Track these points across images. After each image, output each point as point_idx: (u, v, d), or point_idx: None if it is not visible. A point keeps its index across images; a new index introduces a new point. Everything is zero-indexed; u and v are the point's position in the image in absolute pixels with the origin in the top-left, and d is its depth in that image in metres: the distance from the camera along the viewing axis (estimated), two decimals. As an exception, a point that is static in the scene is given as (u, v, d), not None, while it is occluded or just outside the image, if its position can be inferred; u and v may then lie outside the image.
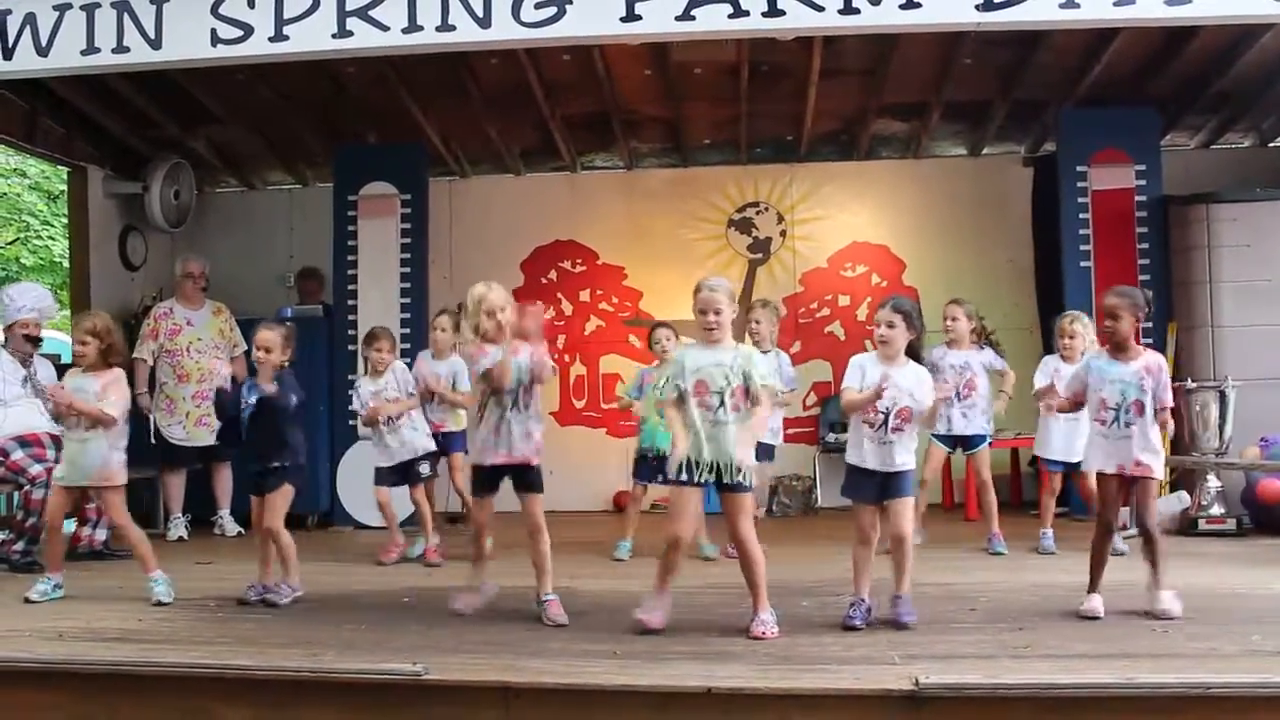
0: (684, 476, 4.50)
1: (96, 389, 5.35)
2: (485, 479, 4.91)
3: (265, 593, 5.25)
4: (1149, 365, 4.72)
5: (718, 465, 4.47)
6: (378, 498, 6.49)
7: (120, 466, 5.42)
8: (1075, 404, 4.98)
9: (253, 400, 5.24)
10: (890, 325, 4.66)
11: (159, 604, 5.21)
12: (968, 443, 6.58)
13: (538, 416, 4.89)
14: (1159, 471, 4.75)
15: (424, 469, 6.50)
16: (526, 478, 4.88)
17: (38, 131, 7.89)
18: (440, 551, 6.39)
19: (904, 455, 4.63)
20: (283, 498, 5.33)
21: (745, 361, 4.53)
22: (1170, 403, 4.76)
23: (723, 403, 4.47)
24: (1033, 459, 8.32)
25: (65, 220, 13.11)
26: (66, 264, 11.96)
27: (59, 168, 10.71)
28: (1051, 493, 6.56)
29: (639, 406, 6.25)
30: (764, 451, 6.45)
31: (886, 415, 4.60)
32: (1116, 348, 4.78)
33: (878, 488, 4.65)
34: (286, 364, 5.34)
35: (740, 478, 4.49)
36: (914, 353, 4.73)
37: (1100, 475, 4.79)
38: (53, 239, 16.28)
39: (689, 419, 4.52)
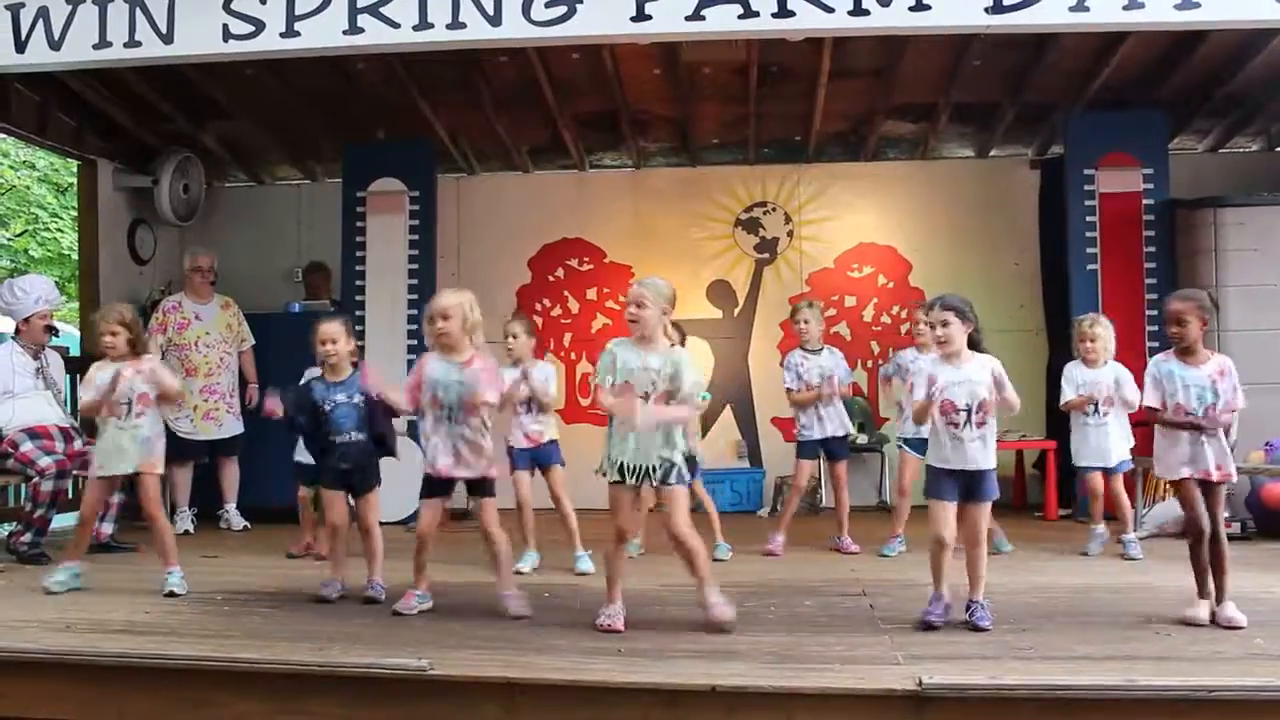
0: (616, 478, 4.59)
1: (140, 378, 5.40)
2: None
3: (342, 589, 5.27)
4: (1222, 368, 4.68)
5: (644, 470, 4.53)
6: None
7: (162, 453, 5.52)
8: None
9: (339, 399, 5.27)
10: (945, 324, 4.65)
11: (170, 594, 5.25)
12: None
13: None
14: (1234, 473, 4.70)
15: None
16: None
17: (49, 124, 7.90)
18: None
19: (988, 453, 4.61)
20: (377, 495, 5.40)
21: (673, 368, 4.57)
22: (1241, 404, 4.70)
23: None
24: (1037, 461, 8.36)
25: (74, 213, 13.14)
26: (75, 256, 12.01)
27: (68, 160, 10.73)
28: (1095, 495, 6.47)
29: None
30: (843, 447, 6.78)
31: (969, 412, 4.58)
32: (1186, 351, 4.70)
33: (962, 488, 4.63)
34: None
35: (671, 477, 4.54)
36: (975, 344, 4.71)
37: (1182, 482, 4.70)
38: (61, 231, 16.31)
39: (616, 421, 4.59)
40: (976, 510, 4.62)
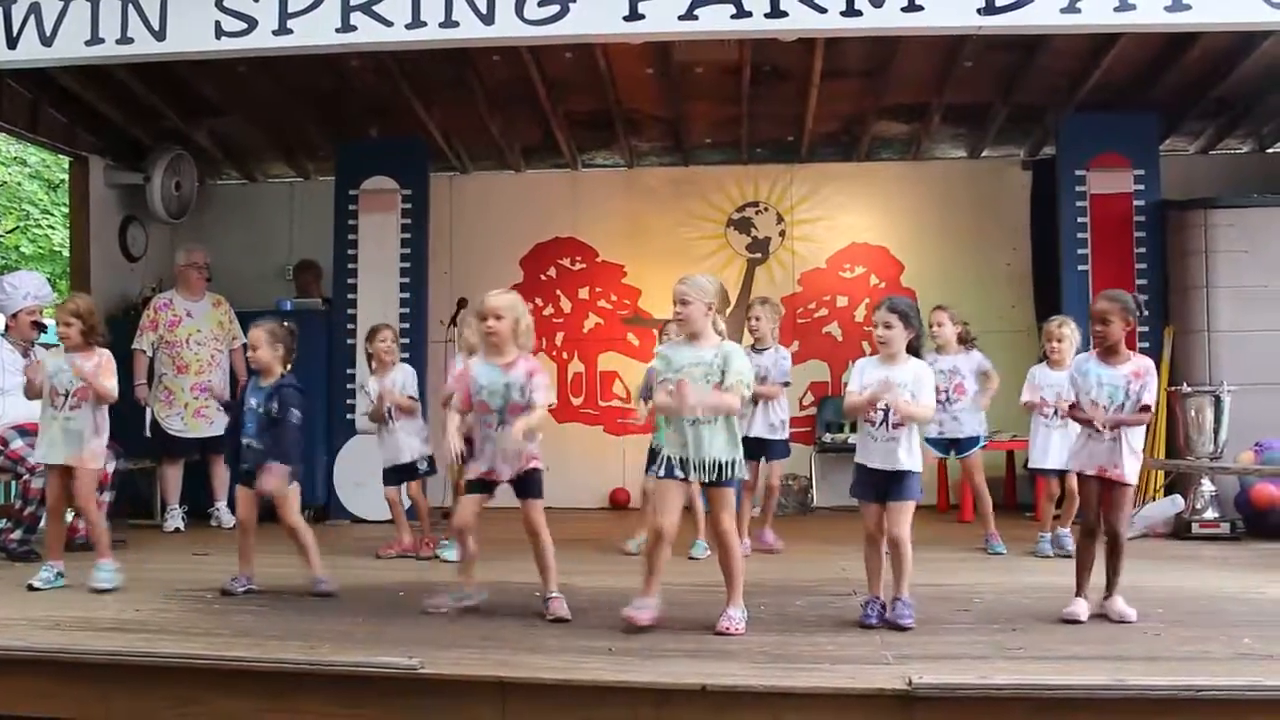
0: (662, 472, 4.58)
1: (89, 368, 5.42)
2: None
3: (248, 584, 5.32)
4: (1138, 369, 4.72)
5: (699, 464, 4.53)
6: (386, 496, 6.59)
7: (99, 450, 5.50)
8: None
9: (251, 403, 5.30)
10: (888, 326, 4.69)
11: (97, 591, 5.27)
12: (960, 445, 6.64)
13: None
14: (1133, 477, 4.74)
15: (422, 466, 6.54)
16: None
17: (41, 121, 7.90)
18: (432, 543, 6.43)
19: (906, 455, 4.63)
20: (294, 494, 5.40)
21: (723, 359, 4.58)
22: (1149, 401, 4.73)
23: None
24: (1027, 462, 8.36)
25: (65, 209, 13.11)
26: (66, 253, 11.98)
27: (60, 157, 10.71)
28: (1050, 497, 6.53)
29: (641, 410, 6.22)
30: (775, 447, 6.57)
31: (886, 413, 4.62)
32: (1107, 351, 4.77)
33: (879, 487, 4.67)
34: (287, 371, 5.41)
35: (725, 475, 4.54)
36: (914, 351, 4.75)
37: (1081, 477, 4.82)
38: (52, 228, 16.25)
39: (673, 417, 4.59)
40: (894, 508, 4.64)
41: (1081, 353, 5.09)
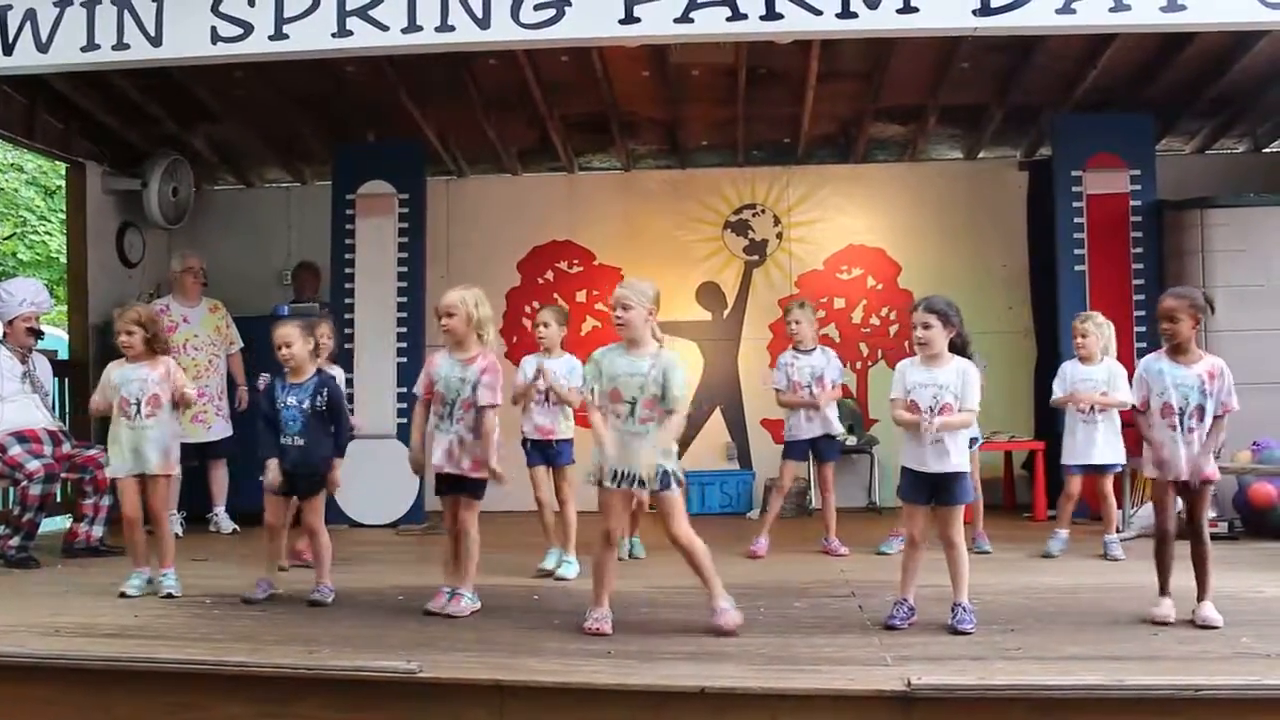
0: (607, 483, 4.58)
1: (156, 378, 5.41)
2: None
3: (270, 589, 5.28)
4: (1212, 369, 4.62)
5: (630, 474, 4.53)
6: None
7: (177, 456, 5.56)
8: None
9: (290, 401, 5.25)
10: (927, 326, 4.63)
11: (169, 596, 5.29)
12: None
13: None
14: (1213, 472, 4.67)
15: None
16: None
17: (37, 127, 7.89)
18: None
19: (957, 455, 4.60)
20: (322, 499, 5.40)
21: (661, 372, 4.55)
22: (1235, 406, 4.65)
23: (633, 412, 4.54)
24: (1026, 462, 8.38)
25: (62, 216, 13.10)
26: (63, 259, 11.97)
27: (57, 163, 10.71)
28: (1069, 497, 6.50)
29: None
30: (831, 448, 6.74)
31: (931, 413, 4.57)
32: (1176, 350, 4.65)
33: (930, 490, 4.64)
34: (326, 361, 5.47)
35: (659, 483, 4.53)
36: (960, 349, 4.70)
37: (1156, 482, 4.71)
38: (50, 234, 16.28)
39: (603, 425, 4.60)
40: (945, 512, 4.62)
41: (1150, 351, 4.94)
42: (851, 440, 8.40)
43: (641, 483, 4.53)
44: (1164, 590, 4.68)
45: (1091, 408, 6.31)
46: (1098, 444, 6.33)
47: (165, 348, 5.60)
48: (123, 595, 5.31)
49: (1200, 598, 4.60)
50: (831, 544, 6.61)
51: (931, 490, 4.63)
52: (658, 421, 4.54)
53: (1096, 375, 6.33)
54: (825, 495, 6.79)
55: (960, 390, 4.59)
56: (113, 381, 5.43)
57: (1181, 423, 4.59)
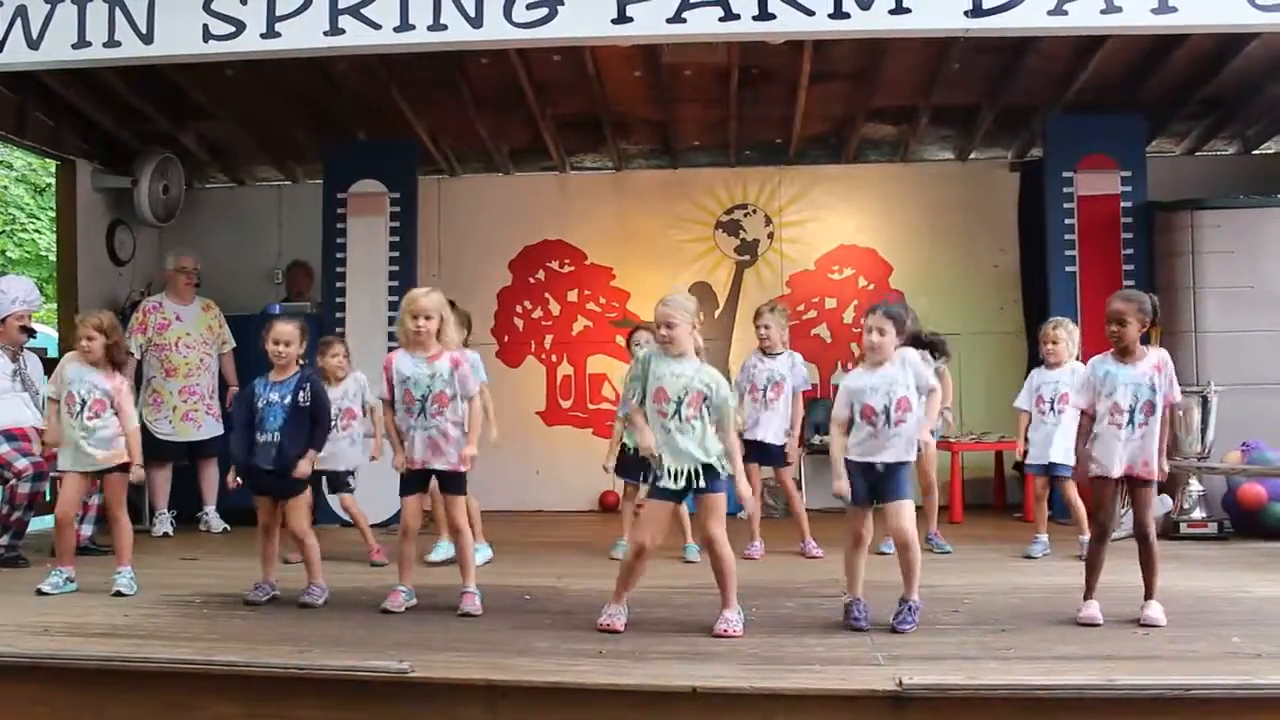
0: (652, 491, 4.66)
1: (108, 389, 5.46)
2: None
3: (271, 591, 5.28)
4: (1157, 363, 4.70)
5: (680, 470, 4.57)
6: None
7: (122, 448, 5.51)
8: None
9: (272, 398, 5.28)
10: (882, 332, 4.69)
11: (118, 594, 5.31)
12: None
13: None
14: (1157, 470, 4.71)
15: (350, 480, 6.49)
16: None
17: (27, 124, 7.86)
18: (383, 552, 6.38)
19: (906, 449, 4.64)
20: (306, 501, 5.42)
21: (712, 380, 4.64)
22: (1178, 398, 4.75)
23: (678, 411, 4.58)
24: (1017, 463, 8.39)
25: (51, 213, 13.07)
26: (52, 257, 11.91)
27: (46, 160, 10.67)
28: (1037, 497, 6.61)
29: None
30: (779, 452, 6.63)
31: (887, 411, 4.62)
32: (1124, 351, 4.74)
33: (874, 487, 4.67)
34: (307, 362, 5.50)
35: (713, 484, 4.58)
36: (915, 340, 4.79)
37: (1098, 479, 4.75)
38: (39, 232, 16.21)
39: (650, 425, 4.65)
40: (893, 506, 4.64)
41: (1097, 355, 5.03)
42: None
43: (695, 475, 4.56)
44: (1090, 594, 4.74)
45: (1051, 408, 6.34)
46: (1054, 444, 6.34)
47: (123, 360, 5.69)
48: (39, 593, 5.33)
49: (1147, 597, 4.68)
50: (807, 546, 6.59)
51: (874, 486, 4.67)
52: (700, 418, 4.59)
53: (1060, 378, 6.36)
54: (789, 500, 6.81)
55: (909, 378, 4.67)
56: (65, 375, 5.50)
57: (1131, 420, 4.67)
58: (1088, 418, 4.81)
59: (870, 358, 4.75)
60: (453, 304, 5.52)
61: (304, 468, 5.30)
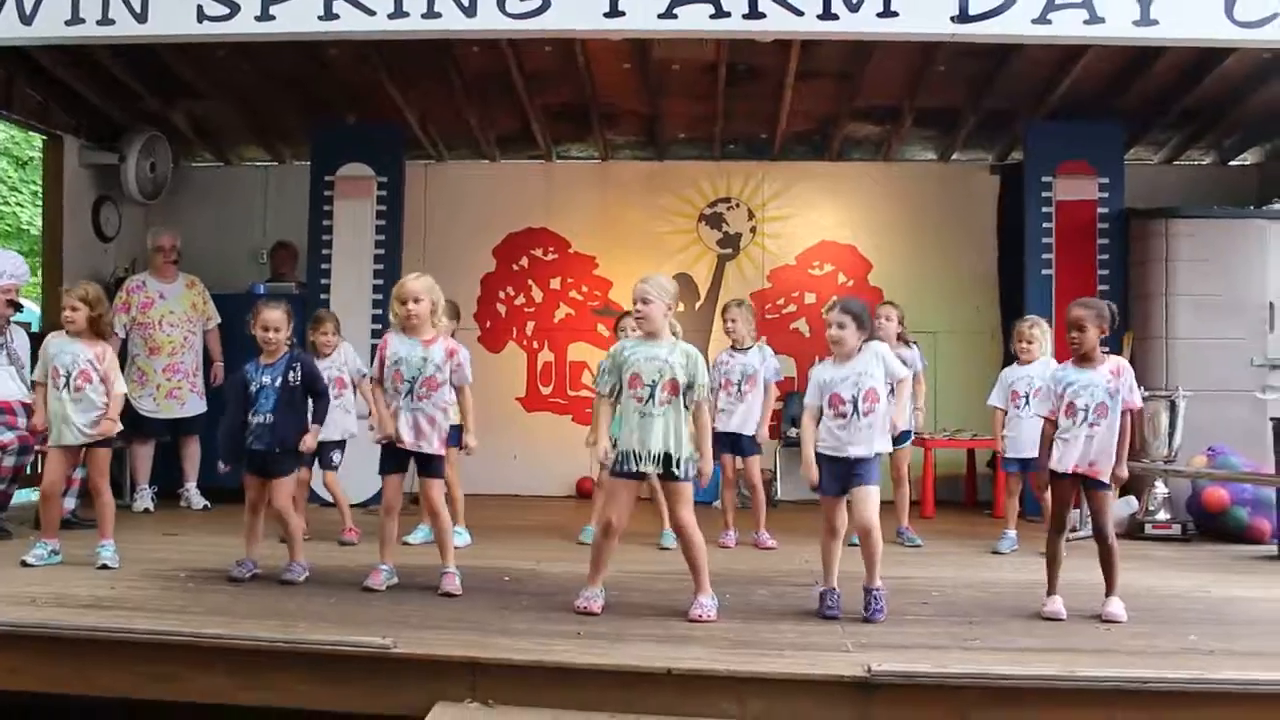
0: (621, 468, 4.71)
1: (90, 357, 5.51)
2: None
3: (254, 568, 5.34)
4: (1115, 368, 4.83)
5: (649, 456, 4.65)
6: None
7: (110, 429, 5.59)
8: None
9: (264, 380, 5.36)
10: (841, 326, 4.82)
11: (104, 567, 5.41)
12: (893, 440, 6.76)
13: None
14: (1107, 474, 4.82)
15: (335, 457, 6.53)
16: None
17: (14, 98, 7.84)
18: (357, 533, 6.49)
19: (871, 441, 4.73)
20: (296, 481, 5.53)
21: (687, 360, 4.72)
22: (1137, 403, 4.87)
23: (652, 395, 4.66)
24: (990, 460, 8.53)
25: (34, 187, 13.03)
26: (34, 231, 11.90)
27: (31, 134, 10.64)
28: (1010, 493, 6.73)
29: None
30: (750, 443, 6.70)
31: (855, 401, 4.73)
32: (1083, 358, 4.87)
33: (843, 479, 4.77)
34: (295, 341, 5.58)
35: (675, 469, 4.67)
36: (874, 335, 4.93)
37: (1055, 475, 4.89)
38: (20, 206, 16.13)
39: (624, 410, 4.74)
40: (859, 494, 4.73)
41: (1058, 365, 5.16)
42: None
43: (657, 461, 4.64)
44: (1053, 588, 4.86)
45: (1027, 402, 6.43)
46: (1025, 438, 6.43)
47: (108, 331, 5.75)
48: (23, 564, 5.41)
49: (1108, 594, 4.81)
50: (760, 537, 6.68)
51: (844, 478, 4.76)
52: (673, 405, 4.67)
53: (1034, 373, 6.44)
54: (751, 490, 6.87)
55: (879, 369, 4.79)
56: (49, 351, 5.58)
57: (1085, 419, 4.78)
58: (1050, 424, 4.93)
59: (836, 351, 4.86)
60: None
61: (309, 442, 5.42)
